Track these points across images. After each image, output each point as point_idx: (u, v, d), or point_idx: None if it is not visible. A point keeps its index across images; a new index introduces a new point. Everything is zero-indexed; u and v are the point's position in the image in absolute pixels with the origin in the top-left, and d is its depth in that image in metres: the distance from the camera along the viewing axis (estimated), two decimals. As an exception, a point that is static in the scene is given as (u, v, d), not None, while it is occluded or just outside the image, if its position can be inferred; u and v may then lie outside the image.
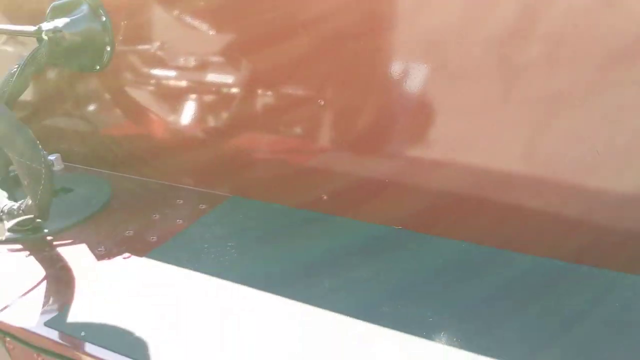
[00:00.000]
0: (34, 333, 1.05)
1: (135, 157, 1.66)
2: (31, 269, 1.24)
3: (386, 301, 1.04)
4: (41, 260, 1.27)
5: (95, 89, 1.66)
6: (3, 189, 1.39)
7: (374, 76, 1.24)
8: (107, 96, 1.65)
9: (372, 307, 1.03)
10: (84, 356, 1.00)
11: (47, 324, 1.06)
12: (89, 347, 1.00)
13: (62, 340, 1.03)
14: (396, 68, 1.21)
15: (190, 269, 1.19)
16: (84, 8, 1.50)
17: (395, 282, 1.10)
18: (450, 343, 0.93)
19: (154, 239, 1.32)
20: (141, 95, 1.60)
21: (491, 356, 0.90)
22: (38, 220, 1.26)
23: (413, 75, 1.20)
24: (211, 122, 1.53)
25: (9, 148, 1.17)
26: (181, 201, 1.49)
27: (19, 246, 1.33)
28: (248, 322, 1.02)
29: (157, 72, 1.56)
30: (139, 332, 1.02)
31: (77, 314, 1.08)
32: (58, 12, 1.51)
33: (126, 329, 1.03)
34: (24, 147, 1.17)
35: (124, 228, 1.37)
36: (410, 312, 1.01)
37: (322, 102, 1.30)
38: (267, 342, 0.97)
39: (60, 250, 1.31)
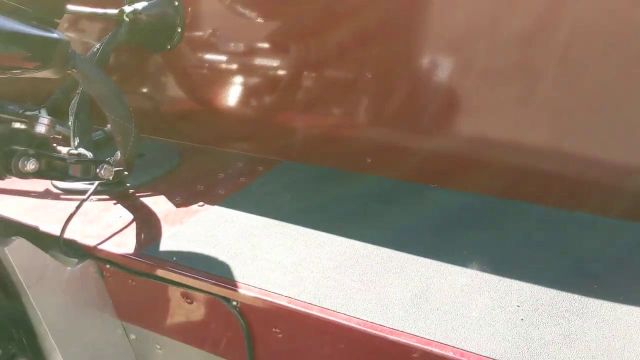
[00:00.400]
0: (132, 259, 1.27)
1: (198, 127, 1.87)
2: (120, 213, 1.45)
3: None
4: (128, 207, 1.48)
5: (163, 66, 1.87)
6: (88, 151, 1.60)
7: (412, 61, 1.45)
8: (174, 73, 1.87)
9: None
10: (177, 275, 1.21)
11: (142, 252, 1.28)
12: (181, 269, 1.21)
13: (157, 264, 1.24)
14: (432, 56, 1.42)
15: (257, 214, 1.39)
16: (160, -7, 1.72)
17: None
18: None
19: (222, 192, 1.53)
20: (204, 74, 1.81)
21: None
22: (125, 173, 1.47)
23: (446, 63, 1.40)
24: (267, 96, 1.73)
25: (107, 107, 1.38)
26: (241, 164, 1.70)
27: (105, 196, 1.54)
28: (308, 250, 1.22)
29: (219, 52, 1.77)
30: (221, 258, 1.22)
31: (166, 245, 1.29)
32: (136, -3, 1.73)
33: (210, 255, 1.24)
34: (119, 107, 1.38)
35: (194, 184, 1.58)
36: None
37: (370, 76, 1.50)
38: (327, 266, 1.17)
39: (142, 199, 1.52)
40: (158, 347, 1.41)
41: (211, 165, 1.71)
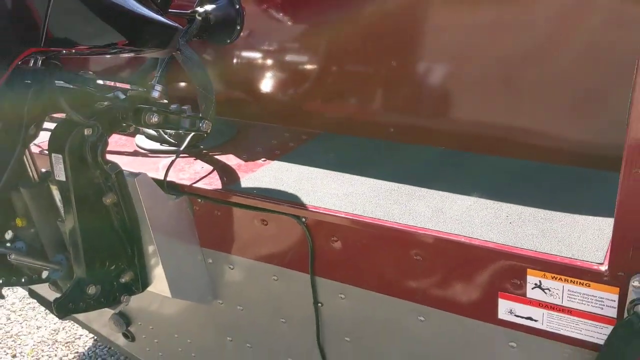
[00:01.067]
0: (221, 192, 1.69)
1: (249, 107, 2.30)
2: (202, 165, 1.88)
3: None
4: (206, 161, 1.91)
5: (222, 57, 2.31)
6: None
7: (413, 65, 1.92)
8: (230, 62, 2.30)
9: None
10: (258, 202, 1.63)
11: (229, 187, 1.70)
12: (261, 197, 1.64)
13: (241, 194, 1.67)
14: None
15: (310, 165, 1.82)
16: (225, -2, 2.15)
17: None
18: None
19: (278, 152, 1.95)
20: (255, 63, 2.25)
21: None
22: (205, 135, 1.89)
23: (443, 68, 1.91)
24: (308, 81, 2.18)
25: (197, 81, 1.81)
26: (288, 134, 2.13)
27: (185, 155, 1.97)
28: (353, 186, 1.66)
29: (269, 47, 2.22)
30: (289, 191, 1.65)
31: (244, 184, 1.72)
32: (205, 0, 2.16)
33: (280, 189, 1.67)
34: (206, 82, 1.82)
35: (254, 147, 2.01)
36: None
37: (395, 63, 1.95)
38: (363, 196, 1.61)
39: (216, 157, 1.95)
40: (231, 266, 1.83)
41: (264, 135, 2.14)
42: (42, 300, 2.68)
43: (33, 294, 2.68)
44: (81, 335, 3.63)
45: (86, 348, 3.54)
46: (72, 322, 3.30)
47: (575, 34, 1.71)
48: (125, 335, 2.40)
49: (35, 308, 3.94)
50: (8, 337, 3.66)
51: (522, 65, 1.79)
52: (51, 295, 2.57)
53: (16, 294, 4.11)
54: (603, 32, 1.67)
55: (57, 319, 3.76)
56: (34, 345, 3.58)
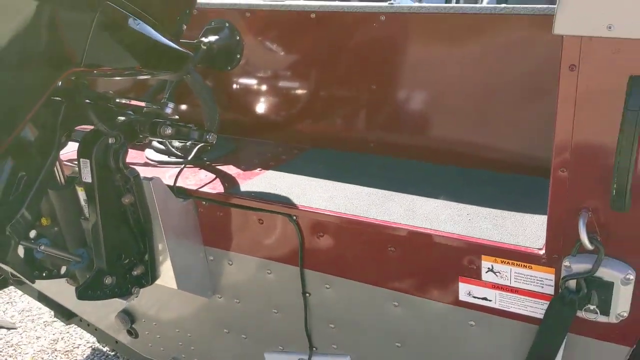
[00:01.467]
0: (223, 195, 1.95)
1: (246, 125, 2.57)
2: (205, 174, 2.14)
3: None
4: (209, 170, 2.17)
5: (223, 81, 2.59)
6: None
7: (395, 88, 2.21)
8: (230, 87, 2.58)
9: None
10: (255, 203, 1.89)
11: (230, 191, 1.96)
12: (258, 199, 1.90)
13: (241, 197, 1.92)
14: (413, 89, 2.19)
15: (300, 174, 2.09)
16: (227, 30, 2.44)
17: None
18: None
19: (272, 163, 2.22)
20: (252, 88, 2.53)
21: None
22: (209, 148, 2.16)
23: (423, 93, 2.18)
24: (297, 102, 2.46)
25: (202, 100, 2.09)
26: (280, 149, 2.40)
27: (190, 165, 2.23)
28: (337, 191, 1.93)
29: (265, 73, 2.50)
30: (282, 194, 1.92)
31: (244, 188, 1.98)
32: (209, 32, 2.44)
33: (274, 193, 1.93)
34: (210, 101, 2.09)
35: (251, 159, 2.28)
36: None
37: (375, 87, 2.24)
38: (348, 198, 1.88)
39: (218, 167, 2.21)
40: (230, 263, 2.08)
41: (259, 149, 2.41)
42: (50, 303, 2.90)
43: (41, 298, 2.90)
44: (79, 344, 3.82)
45: (84, 356, 3.72)
46: (77, 327, 3.49)
47: (529, 68, 2.01)
48: (129, 332, 2.61)
49: (34, 320, 4.12)
50: (9, 347, 3.84)
51: (484, 92, 2.08)
52: (59, 298, 2.79)
53: (15, 308, 4.30)
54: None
55: (55, 329, 3.97)
56: (34, 354, 3.76)
